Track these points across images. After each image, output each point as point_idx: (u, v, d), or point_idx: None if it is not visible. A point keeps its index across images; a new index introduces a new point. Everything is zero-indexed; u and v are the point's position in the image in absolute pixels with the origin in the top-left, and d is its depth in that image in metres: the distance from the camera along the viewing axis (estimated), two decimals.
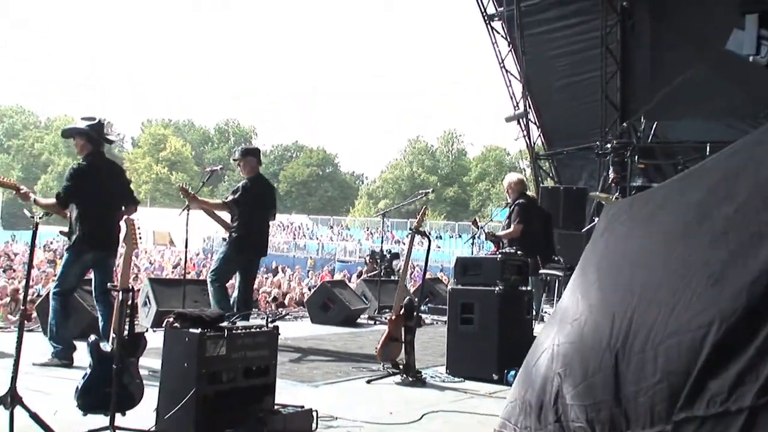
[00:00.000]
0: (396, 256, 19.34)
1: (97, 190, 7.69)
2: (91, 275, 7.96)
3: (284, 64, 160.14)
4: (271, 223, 9.89)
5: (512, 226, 10.38)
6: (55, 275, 18.61)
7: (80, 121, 8.13)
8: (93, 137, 7.81)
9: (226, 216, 9.66)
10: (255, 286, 11.98)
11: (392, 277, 16.15)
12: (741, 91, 15.71)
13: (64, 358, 7.63)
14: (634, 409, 3.34)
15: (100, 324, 7.64)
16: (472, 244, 12.94)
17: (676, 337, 3.30)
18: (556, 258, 12.14)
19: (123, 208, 7.88)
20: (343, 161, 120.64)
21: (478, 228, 11.83)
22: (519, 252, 9.19)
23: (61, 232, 8.00)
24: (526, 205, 10.52)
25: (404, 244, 43.07)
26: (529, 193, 11.19)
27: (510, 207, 10.68)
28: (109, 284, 7.52)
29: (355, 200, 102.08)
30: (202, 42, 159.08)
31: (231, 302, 9.47)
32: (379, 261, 18.16)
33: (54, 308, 7.73)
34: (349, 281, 20.11)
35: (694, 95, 16.74)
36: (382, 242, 19.08)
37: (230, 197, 9.55)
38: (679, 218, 3.79)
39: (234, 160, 10.14)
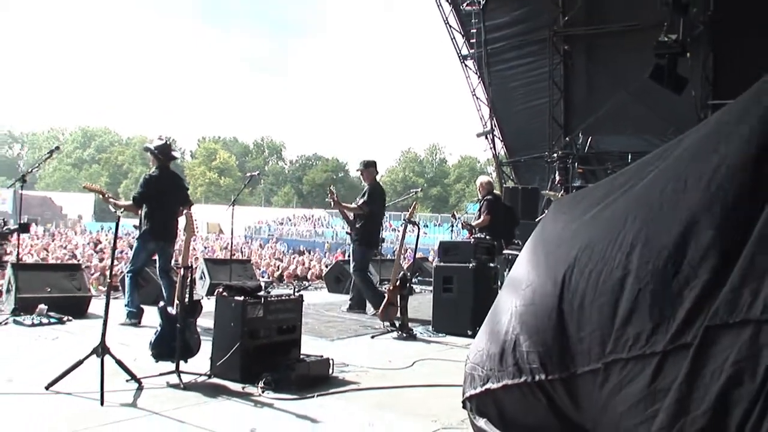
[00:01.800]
0: (382, 240, 19.35)
1: (161, 195, 7.81)
2: (156, 258, 8.13)
3: (307, 93, 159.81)
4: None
5: (482, 216, 10.38)
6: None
7: (156, 140, 8.36)
8: (158, 155, 7.94)
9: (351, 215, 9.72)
10: (284, 264, 11.94)
11: (378, 257, 16.09)
12: (654, 113, 15.72)
13: (134, 317, 7.81)
14: (577, 353, 3.36)
15: (164, 293, 7.76)
16: (451, 231, 12.98)
17: (605, 296, 3.32)
18: (516, 241, 12.12)
19: (181, 208, 7.95)
20: (351, 168, 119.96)
21: (455, 219, 11.85)
22: (487, 237, 9.21)
23: (134, 226, 8.09)
24: (493, 200, 10.53)
25: (399, 231, 43.06)
26: (495, 191, 11.15)
27: (480, 202, 10.68)
28: (173, 263, 7.74)
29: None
30: (244, 72, 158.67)
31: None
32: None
33: (128, 283, 7.95)
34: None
35: (619, 116, 16.75)
36: (381, 230, 19.07)
37: (360, 201, 9.48)
38: (603, 208, 3.82)
39: (357, 170, 10.13)
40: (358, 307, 9.73)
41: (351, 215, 9.61)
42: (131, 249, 9.42)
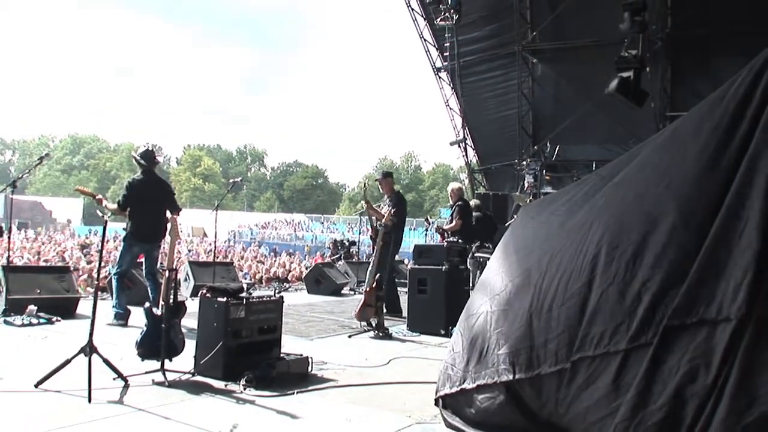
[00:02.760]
0: (353, 243, 19.31)
1: (145, 198, 7.73)
2: (143, 260, 8.05)
3: (288, 101, 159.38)
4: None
5: (454, 221, 10.43)
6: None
7: (141, 146, 8.35)
8: (141, 161, 7.91)
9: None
10: (265, 266, 11.81)
11: (355, 260, 16.13)
12: (616, 124, 15.90)
13: (121, 318, 7.72)
14: (544, 354, 3.39)
15: (150, 295, 7.70)
16: (425, 235, 12.99)
17: (572, 299, 3.36)
18: (486, 245, 12.19)
19: (168, 212, 7.81)
20: (330, 174, 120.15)
21: (429, 224, 11.90)
22: (460, 240, 9.24)
23: (123, 229, 7.99)
24: (464, 206, 10.58)
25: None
26: (465, 197, 11.19)
27: (452, 207, 10.72)
28: (158, 265, 7.66)
29: (340, 203, 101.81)
30: (226, 84, 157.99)
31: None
32: (339, 248, 18.37)
33: (114, 284, 7.94)
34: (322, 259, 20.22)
35: (584, 126, 16.94)
36: (359, 234, 19.07)
37: (392, 210, 9.17)
38: (569, 214, 3.86)
39: (375, 180, 10.13)
40: (393, 311, 9.52)
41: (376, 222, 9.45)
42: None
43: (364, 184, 9.78)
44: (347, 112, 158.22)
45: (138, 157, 7.94)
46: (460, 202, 10.57)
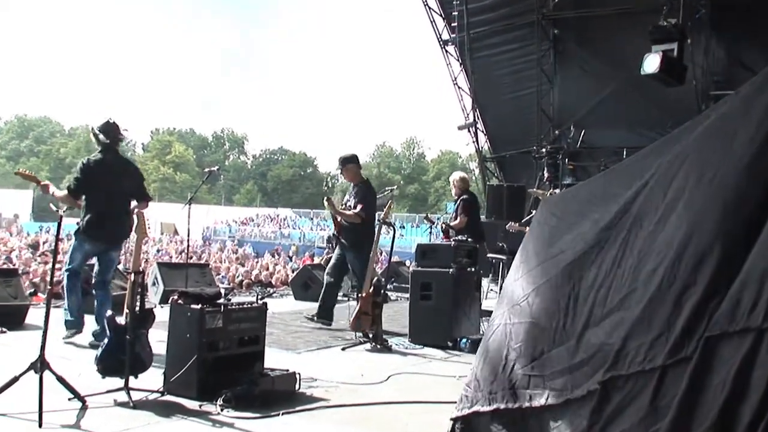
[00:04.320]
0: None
1: (105, 184, 7.02)
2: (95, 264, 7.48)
3: (271, 81, 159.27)
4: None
5: (458, 218, 10.40)
6: None
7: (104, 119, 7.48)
8: (99, 137, 7.15)
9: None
10: (246, 269, 11.77)
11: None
12: (651, 105, 15.84)
13: (73, 327, 7.15)
14: (579, 376, 3.37)
15: (97, 309, 7.06)
16: (430, 233, 12.98)
17: (610, 314, 3.35)
18: (500, 244, 12.20)
19: (135, 203, 7.25)
20: (321, 163, 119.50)
21: (430, 222, 11.89)
22: (470, 239, 9.22)
23: (77, 224, 7.49)
24: (470, 199, 10.55)
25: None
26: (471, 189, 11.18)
27: (455, 201, 10.68)
28: (122, 267, 7.41)
29: (332, 196, 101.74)
30: (201, 59, 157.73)
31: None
32: (333, 245, 18.38)
33: (65, 283, 7.25)
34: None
35: (613, 108, 16.89)
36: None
37: (359, 206, 9.11)
38: (601, 212, 3.82)
39: (336, 169, 9.92)
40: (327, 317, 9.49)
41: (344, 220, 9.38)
42: None
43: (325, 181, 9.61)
44: (340, 92, 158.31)
45: (97, 131, 7.20)
46: (465, 195, 10.53)
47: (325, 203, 9.12)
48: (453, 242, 8.85)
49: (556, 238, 4.00)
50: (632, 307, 3.26)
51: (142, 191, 7.41)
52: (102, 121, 7.35)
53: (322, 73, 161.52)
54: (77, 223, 7.18)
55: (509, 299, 3.97)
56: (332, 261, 9.67)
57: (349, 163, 9.46)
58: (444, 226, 10.88)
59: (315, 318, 9.24)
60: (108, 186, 7.06)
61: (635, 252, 3.40)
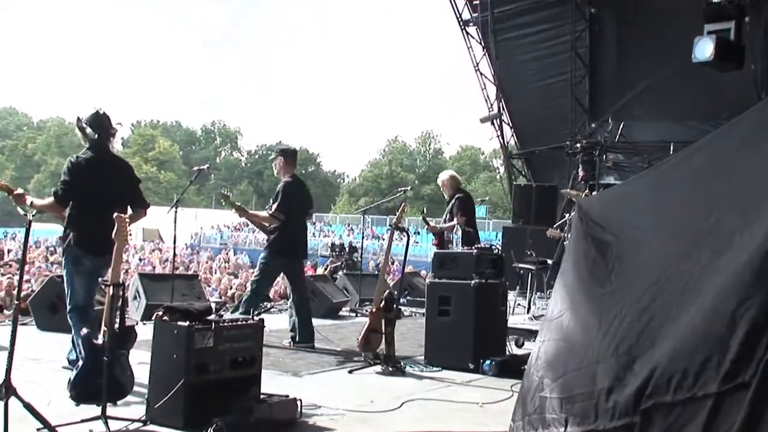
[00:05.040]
0: (355, 249, 19.39)
1: (98, 188, 6.67)
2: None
3: (269, 68, 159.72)
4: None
5: (455, 219, 10.45)
6: (48, 272, 18.46)
7: (91, 111, 7.07)
8: (88, 132, 6.79)
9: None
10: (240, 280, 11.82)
11: (357, 272, 16.19)
12: (702, 92, 15.77)
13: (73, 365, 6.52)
14: (604, 403, 3.36)
15: (74, 333, 6.59)
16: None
17: (653, 333, 3.33)
18: (529, 252, 12.18)
19: (129, 210, 6.75)
20: (324, 160, 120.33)
21: (427, 225, 11.90)
22: (493, 247, 9.21)
23: (60, 238, 7.25)
24: (465, 198, 10.63)
25: (384, 239, 43.06)
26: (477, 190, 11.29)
27: (449, 202, 10.78)
28: (100, 279, 7.15)
29: (337, 198, 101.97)
30: (187, 44, 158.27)
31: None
32: (338, 254, 18.39)
33: (73, 326, 6.59)
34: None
35: (658, 97, 16.82)
36: (362, 238, 19.08)
37: (272, 205, 9.19)
38: (647, 219, 3.80)
39: (270, 159, 9.92)
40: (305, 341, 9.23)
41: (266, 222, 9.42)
42: (47, 262, 9.05)
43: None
44: (345, 80, 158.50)
45: (84, 125, 6.81)
46: (459, 195, 10.63)
47: (223, 202, 9.12)
48: (475, 250, 8.83)
49: (601, 252, 3.97)
50: (679, 325, 3.24)
51: (139, 197, 7.08)
52: (90, 111, 6.97)
53: (325, 58, 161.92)
54: (63, 237, 6.77)
55: (547, 316, 3.98)
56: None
57: (282, 155, 9.56)
58: (432, 228, 11.02)
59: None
60: (102, 190, 6.68)
61: (688, 263, 3.38)
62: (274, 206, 9.14)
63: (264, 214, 9.40)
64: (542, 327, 3.96)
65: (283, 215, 9.07)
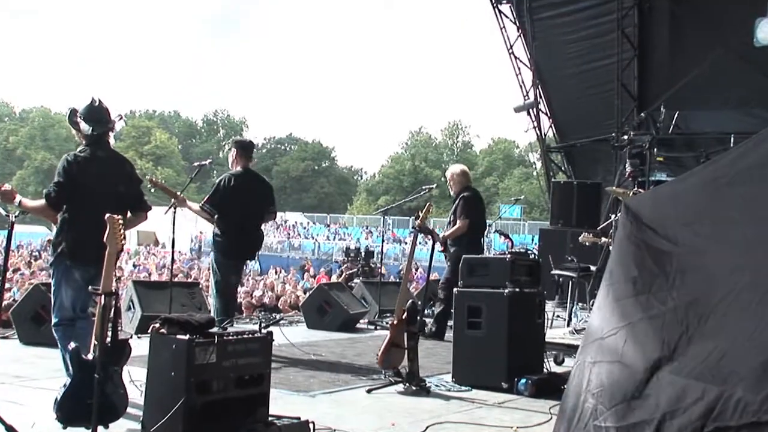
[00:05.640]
0: (371, 253, 19.40)
1: (96, 189, 6.61)
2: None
3: (277, 52, 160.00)
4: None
5: (458, 222, 10.39)
6: (31, 280, 18.61)
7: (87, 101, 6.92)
8: (82, 126, 6.70)
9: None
10: (246, 289, 11.87)
11: (376, 279, 16.19)
12: (766, 78, 15.67)
13: None
14: (668, 429, 3.35)
15: (63, 357, 6.34)
16: (484, 243, 12.96)
17: (725, 352, 3.32)
18: (569, 258, 12.13)
19: (129, 213, 6.81)
20: (340, 155, 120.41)
21: (423, 230, 11.85)
22: (529, 253, 9.18)
23: (49, 240, 7.10)
24: (471, 197, 10.52)
25: (407, 243, 43.06)
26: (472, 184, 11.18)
27: (454, 201, 10.69)
28: (90, 287, 7.04)
29: (353, 197, 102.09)
30: (185, 24, 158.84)
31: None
32: (353, 259, 18.39)
33: (59, 341, 6.54)
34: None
35: (717, 83, 16.72)
36: (382, 242, 18.96)
37: (204, 198, 9.32)
38: (709, 221, 3.78)
39: (227, 150, 10.09)
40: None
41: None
42: (29, 268, 9.03)
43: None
44: (363, 66, 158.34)
45: (77, 118, 6.73)
46: (465, 194, 10.53)
47: (152, 190, 8.92)
48: (509, 254, 8.81)
49: (658, 262, 3.94)
50: (747, 346, 3.23)
51: (141, 198, 7.05)
52: (84, 102, 6.83)
53: (341, 41, 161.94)
54: (54, 244, 6.71)
55: (591, 331, 3.95)
56: None
57: (245, 148, 9.72)
58: (425, 229, 11.03)
59: None
60: (101, 191, 6.62)
61: (755, 282, 3.38)
62: (205, 198, 9.28)
63: (197, 206, 9.43)
64: (589, 345, 3.93)
65: (214, 209, 9.16)
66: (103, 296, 5.20)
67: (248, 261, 10.63)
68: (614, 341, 3.77)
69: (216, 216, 9.23)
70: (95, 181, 6.60)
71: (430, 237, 8.97)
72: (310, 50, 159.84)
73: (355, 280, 15.25)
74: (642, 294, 3.87)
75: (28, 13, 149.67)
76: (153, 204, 7.09)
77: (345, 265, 20.26)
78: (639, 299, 3.86)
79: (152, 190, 9.01)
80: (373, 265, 18.43)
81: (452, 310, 10.11)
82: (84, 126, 6.67)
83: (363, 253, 19.22)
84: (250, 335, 5.64)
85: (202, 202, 9.28)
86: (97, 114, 6.74)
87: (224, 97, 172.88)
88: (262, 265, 39.27)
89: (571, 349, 8.94)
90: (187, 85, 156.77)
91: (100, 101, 6.81)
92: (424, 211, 8.74)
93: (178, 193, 9.44)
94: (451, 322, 8.96)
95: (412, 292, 13.80)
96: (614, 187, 15.16)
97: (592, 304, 9.81)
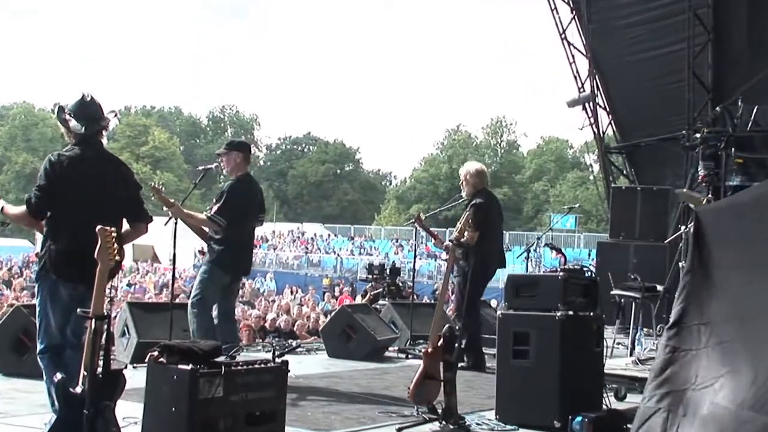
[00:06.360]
0: (398, 270, 19.38)
1: (85, 195, 6.61)
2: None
3: (293, 38, 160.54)
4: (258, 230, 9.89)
5: (466, 232, 10.36)
6: (12, 301, 18.74)
7: (75, 96, 6.95)
8: (71, 124, 6.68)
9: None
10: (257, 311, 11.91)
11: (407, 301, 16.19)
12: None
13: None
14: None
15: (50, 389, 6.35)
16: (527, 258, 12.90)
17: None
18: (632, 276, 12.07)
19: (127, 223, 6.81)
20: (365, 157, 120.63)
21: (422, 227, 11.78)
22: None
23: (37, 254, 6.89)
24: (484, 205, 10.45)
25: (442, 259, 43.03)
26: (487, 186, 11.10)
27: (467, 206, 10.60)
28: (79, 310, 7.01)
29: (381, 205, 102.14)
30: (189, 11, 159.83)
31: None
32: (377, 277, 18.35)
33: (44, 372, 6.51)
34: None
35: None
36: (414, 258, 18.82)
37: (214, 208, 9.34)
38: None
39: (217, 152, 10.05)
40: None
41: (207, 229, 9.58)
42: (10, 288, 9.07)
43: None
44: (392, 54, 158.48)
45: (67, 115, 6.72)
46: (478, 199, 10.48)
47: (153, 197, 9.18)
48: (561, 272, 8.79)
49: (732, 280, 3.91)
50: None
51: (140, 208, 7.03)
52: (74, 98, 6.84)
53: (366, 24, 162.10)
54: (40, 257, 6.74)
55: (674, 376, 3.92)
56: None
57: (236, 149, 9.77)
58: (432, 236, 11.01)
59: None
60: (91, 197, 6.63)
61: None
62: (215, 208, 9.30)
63: (202, 216, 9.52)
64: (654, 382, 3.92)
65: (224, 220, 9.22)
66: (93, 320, 5.22)
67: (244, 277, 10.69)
68: (712, 391, 3.74)
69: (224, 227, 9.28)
70: (84, 186, 6.59)
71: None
72: (331, 36, 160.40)
73: (381, 302, 15.21)
74: (713, 314, 3.85)
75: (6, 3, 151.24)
76: (151, 214, 7.07)
77: (370, 285, 20.22)
78: (713, 321, 3.85)
79: (153, 198, 9.12)
80: (400, 284, 18.39)
81: (480, 334, 10.21)
82: (75, 124, 6.65)
83: (388, 270, 19.11)
84: (263, 365, 5.66)
85: (213, 213, 9.28)
86: (90, 111, 6.75)
87: (232, 92, 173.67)
88: (276, 284, 39.50)
89: (634, 382, 8.90)
90: (189, 78, 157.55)
91: (92, 97, 6.81)
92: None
93: (172, 200, 9.50)
94: (493, 350, 8.94)
95: (449, 315, 13.81)
96: (685, 190, 15.11)
97: (660, 331, 9.78)
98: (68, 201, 6.53)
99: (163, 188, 9.57)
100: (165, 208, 9.43)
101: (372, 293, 19.47)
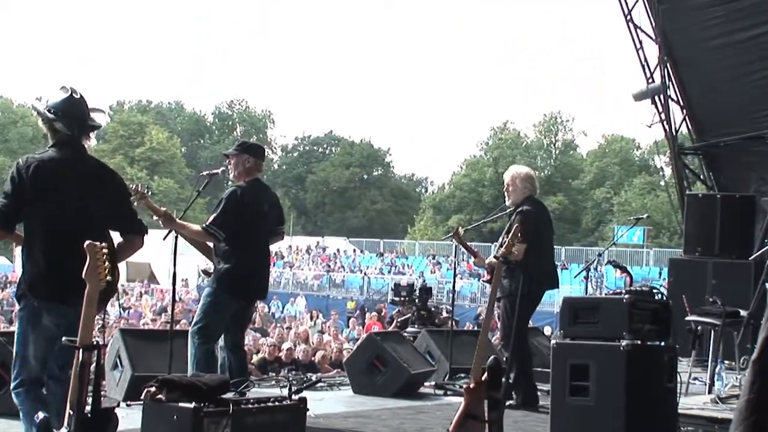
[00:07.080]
0: (428, 291, 19.33)
1: (63, 204, 6.58)
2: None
3: (313, 24, 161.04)
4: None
5: (514, 245, 10.36)
6: None
7: (58, 92, 6.90)
8: (53, 122, 6.66)
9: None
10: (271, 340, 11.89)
11: (445, 327, 16.20)
12: None
13: None
14: None
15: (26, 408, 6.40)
16: (586, 278, 12.87)
17: None
18: (710, 299, 12.02)
19: (119, 236, 6.81)
20: (397, 160, 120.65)
21: (459, 242, 11.76)
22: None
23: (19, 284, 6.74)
24: (531, 214, 10.42)
25: (485, 280, 43.04)
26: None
27: (510, 215, 10.58)
28: (64, 339, 7.00)
29: (416, 216, 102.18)
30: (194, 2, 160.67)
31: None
32: (404, 299, 18.28)
33: (21, 407, 6.45)
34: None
35: None
36: (454, 276, 18.56)
37: (211, 218, 9.30)
38: None
39: (225, 153, 10.07)
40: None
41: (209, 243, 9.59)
42: None
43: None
44: (427, 43, 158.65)
45: (50, 114, 6.69)
46: (525, 207, 10.46)
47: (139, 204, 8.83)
48: (627, 294, 8.78)
49: None
50: None
51: (132, 218, 7.02)
52: (59, 95, 6.80)
53: (396, 13, 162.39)
54: (19, 285, 6.77)
55: (762, 417, 3.92)
56: None
57: (246, 151, 9.76)
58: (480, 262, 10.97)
59: None
60: (67, 206, 6.61)
61: None
62: (211, 218, 9.27)
63: (196, 227, 9.49)
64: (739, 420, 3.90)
65: (222, 232, 9.18)
66: (81, 350, 5.24)
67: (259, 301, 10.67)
68: None
69: (222, 240, 9.25)
70: (57, 192, 6.56)
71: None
72: (356, 23, 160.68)
73: (411, 328, 15.22)
74: None
75: None
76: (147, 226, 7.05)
77: (397, 309, 20.14)
78: None
79: (136, 204, 8.90)
80: (433, 309, 18.32)
81: (531, 367, 10.21)
82: (60, 126, 6.64)
83: (417, 291, 18.99)
84: (277, 403, 5.67)
85: (208, 223, 9.25)
86: (74, 109, 6.73)
87: (242, 85, 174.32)
88: (293, 308, 39.53)
89: (714, 424, 8.86)
90: (192, 69, 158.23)
91: (81, 95, 6.76)
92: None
93: (162, 209, 9.45)
94: (546, 386, 8.93)
95: (494, 344, 13.79)
96: None
97: (743, 363, 9.73)
98: (40, 210, 6.52)
99: (149, 191, 9.18)
100: (155, 218, 9.28)
101: (399, 319, 19.41)
